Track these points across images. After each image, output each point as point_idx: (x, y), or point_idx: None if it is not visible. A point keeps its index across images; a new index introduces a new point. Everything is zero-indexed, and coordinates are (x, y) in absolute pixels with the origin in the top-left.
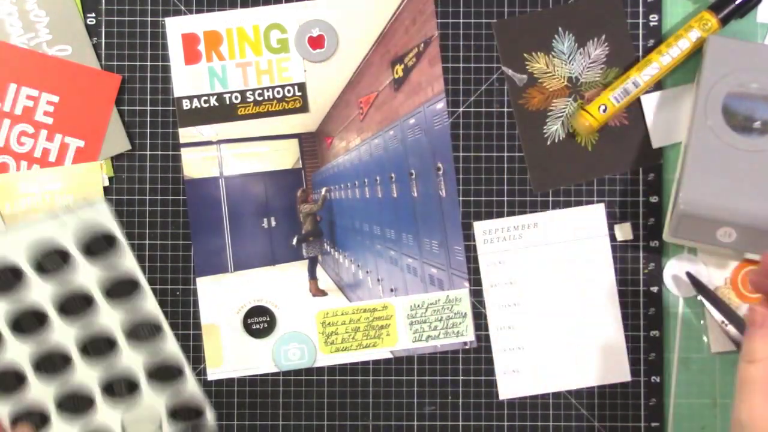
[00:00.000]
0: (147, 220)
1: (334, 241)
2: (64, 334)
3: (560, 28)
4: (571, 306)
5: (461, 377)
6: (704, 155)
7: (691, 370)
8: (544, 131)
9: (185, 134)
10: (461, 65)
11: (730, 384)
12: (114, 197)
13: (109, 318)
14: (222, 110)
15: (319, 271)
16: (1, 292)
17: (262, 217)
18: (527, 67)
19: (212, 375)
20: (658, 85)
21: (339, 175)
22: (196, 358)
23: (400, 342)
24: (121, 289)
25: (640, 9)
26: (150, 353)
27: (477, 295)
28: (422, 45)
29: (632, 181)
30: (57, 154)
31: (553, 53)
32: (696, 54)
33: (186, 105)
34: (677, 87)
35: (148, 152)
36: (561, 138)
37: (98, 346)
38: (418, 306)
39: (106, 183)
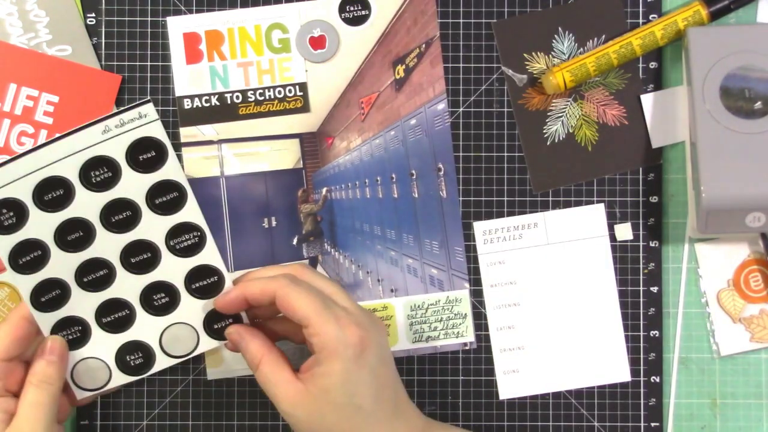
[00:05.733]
0: None
1: (335, 242)
2: (107, 245)
3: (560, 28)
4: (571, 306)
5: (461, 377)
6: (715, 147)
7: (690, 370)
8: (544, 131)
9: (186, 133)
10: (461, 65)
11: (730, 384)
12: None
13: (153, 227)
14: (223, 110)
15: (320, 271)
16: (49, 208)
17: (263, 217)
18: (527, 67)
19: (212, 375)
20: (657, 85)
21: (340, 176)
22: (196, 358)
23: (400, 342)
24: (165, 198)
25: (640, 9)
26: (191, 263)
27: (477, 295)
28: (423, 45)
29: (632, 181)
30: None
31: (553, 53)
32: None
33: (187, 104)
34: (677, 87)
35: None
36: (561, 138)
37: (141, 256)
38: (418, 307)
39: None
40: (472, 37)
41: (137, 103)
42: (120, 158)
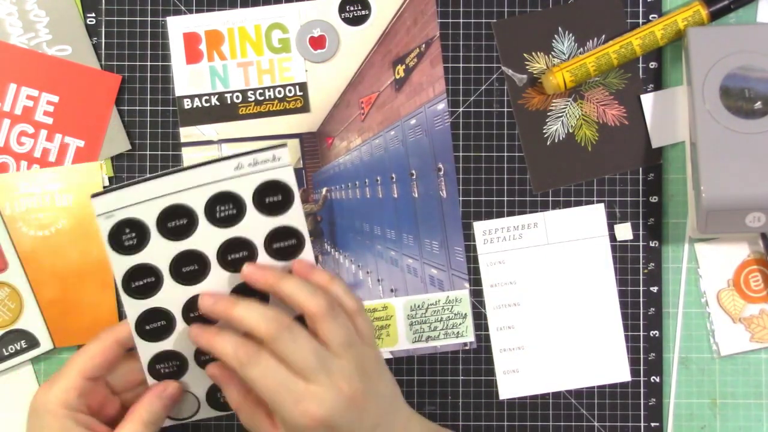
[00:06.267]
0: None
1: (335, 242)
2: (219, 282)
3: (560, 28)
4: (571, 306)
5: (461, 377)
6: (715, 147)
7: (690, 370)
8: (544, 131)
9: (186, 134)
10: (461, 65)
11: (730, 384)
12: None
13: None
14: (223, 110)
15: None
16: (170, 236)
17: None
18: (527, 67)
19: None
20: (657, 85)
21: (340, 176)
22: None
23: (399, 342)
24: (283, 244)
25: (640, 9)
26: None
27: (477, 295)
28: (423, 45)
29: (632, 181)
30: (57, 154)
31: (553, 53)
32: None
33: (187, 104)
34: (677, 87)
35: (148, 152)
36: (561, 138)
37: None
38: (418, 306)
39: (106, 183)
40: (472, 37)
41: (274, 145)
42: (247, 197)
